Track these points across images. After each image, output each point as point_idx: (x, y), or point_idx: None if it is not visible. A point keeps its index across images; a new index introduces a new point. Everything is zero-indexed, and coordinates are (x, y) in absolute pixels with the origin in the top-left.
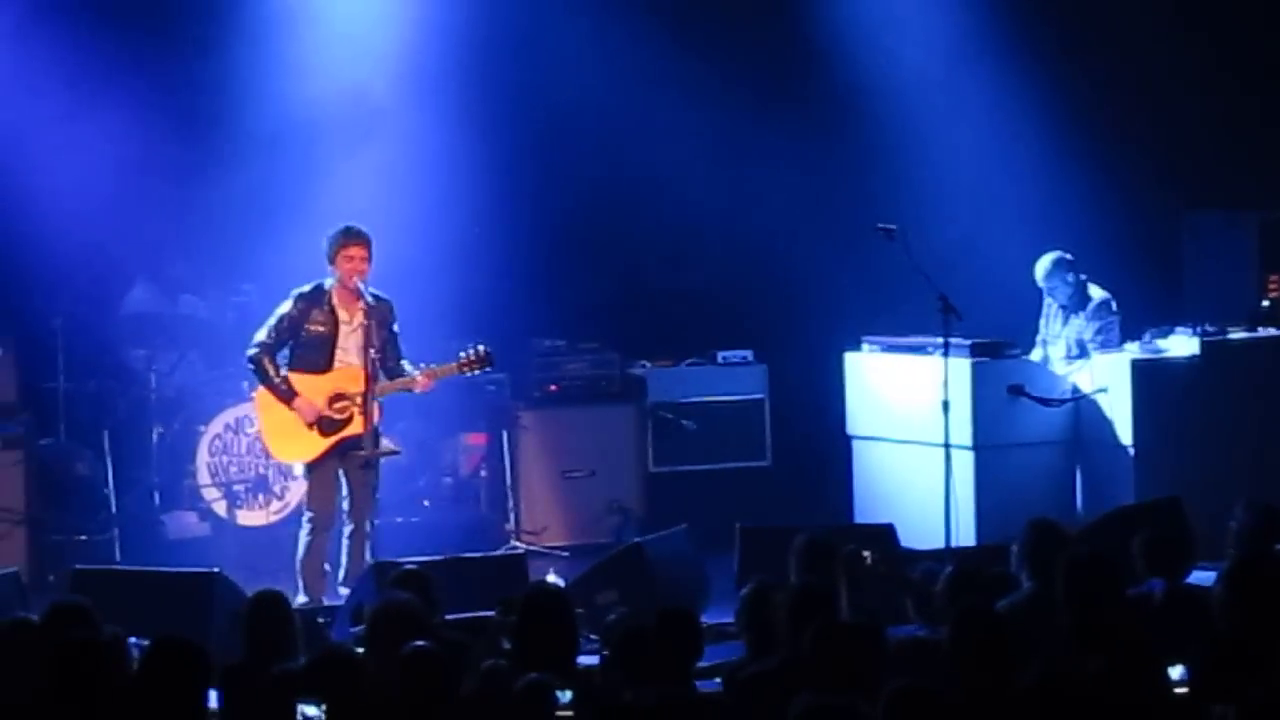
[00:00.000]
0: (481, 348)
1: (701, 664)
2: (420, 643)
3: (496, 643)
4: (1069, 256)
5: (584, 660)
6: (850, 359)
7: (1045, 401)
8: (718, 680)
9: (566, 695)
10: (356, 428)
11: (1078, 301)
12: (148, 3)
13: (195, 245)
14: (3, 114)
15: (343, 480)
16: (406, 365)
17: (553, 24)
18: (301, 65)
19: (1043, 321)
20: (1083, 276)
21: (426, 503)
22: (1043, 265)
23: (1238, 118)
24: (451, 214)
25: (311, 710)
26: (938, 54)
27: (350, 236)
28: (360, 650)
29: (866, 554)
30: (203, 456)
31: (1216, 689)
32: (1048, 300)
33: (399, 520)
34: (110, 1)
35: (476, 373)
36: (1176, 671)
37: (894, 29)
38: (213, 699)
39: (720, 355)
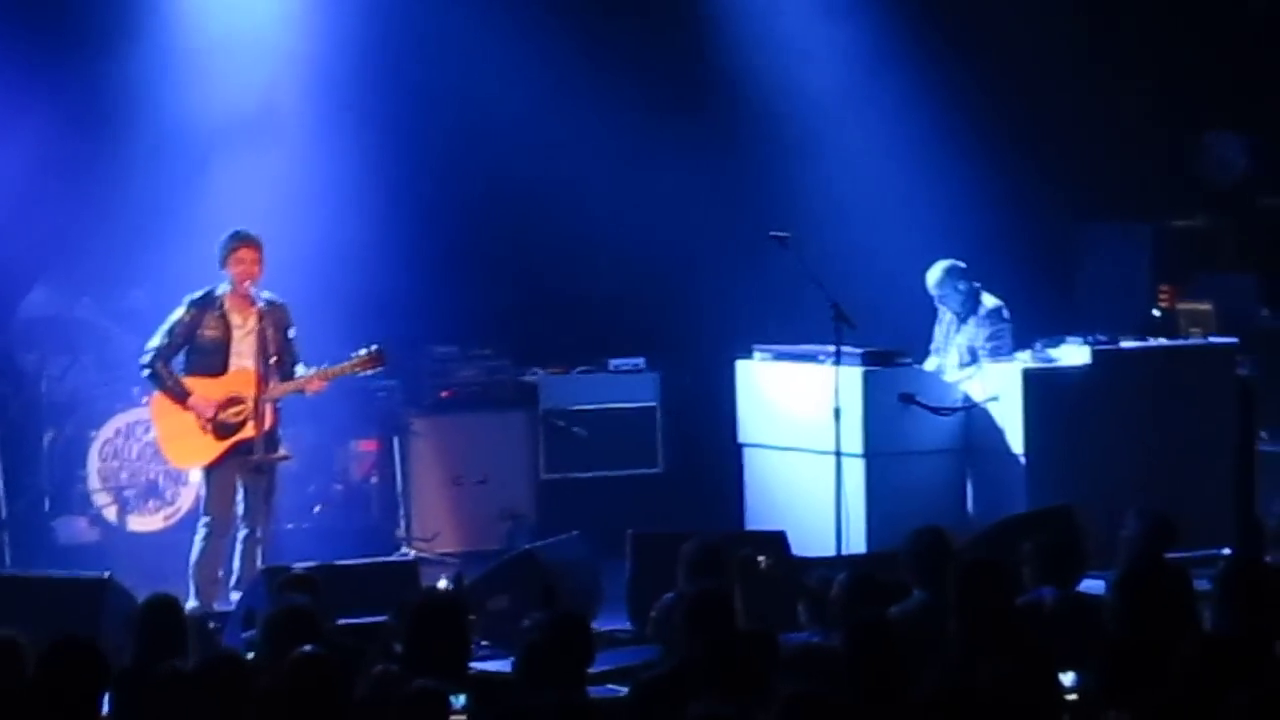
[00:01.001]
0: (374, 347)
1: (598, 669)
2: (310, 647)
3: (389, 648)
4: (961, 264)
5: (476, 666)
6: (742, 367)
7: (937, 410)
8: (610, 686)
9: (460, 700)
10: (251, 431)
11: (970, 309)
12: (46, 3)
13: (92, 248)
14: None
15: (238, 485)
16: (301, 369)
17: (453, 29)
18: (199, 67)
19: (936, 329)
20: (975, 285)
21: (318, 508)
22: (934, 273)
23: (1130, 129)
24: (347, 218)
25: None
26: (833, 63)
27: (241, 240)
28: (251, 654)
29: (761, 559)
30: (94, 462)
31: (1109, 695)
32: (940, 308)
33: (290, 526)
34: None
35: (369, 373)
36: (1068, 678)
37: (790, 38)
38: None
39: (612, 363)
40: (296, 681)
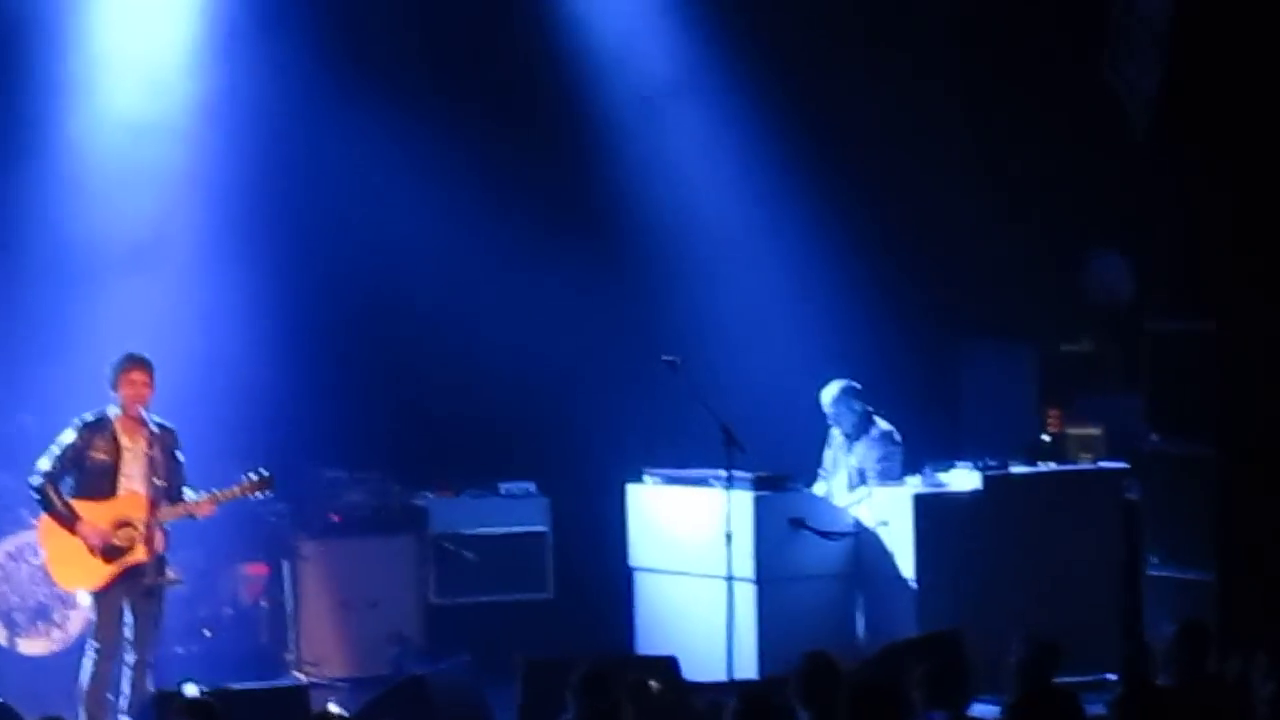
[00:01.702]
0: (263, 471)
1: None
2: None
3: None
4: (856, 385)
5: None
6: (632, 490)
7: (827, 535)
8: None
9: None
10: (140, 555)
11: (861, 430)
12: None
13: None
14: None
15: (126, 609)
16: (189, 492)
17: (341, 150)
18: (89, 190)
19: (826, 452)
20: (869, 408)
21: (207, 632)
22: (830, 392)
23: (1016, 251)
24: (235, 341)
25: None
26: (720, 186)
27: (133, 362)
28: None
29: (653, 683)
30: None
31: None
32: (832, 430)
33: (180, 650)
34: None
35: (259, 496)
36: None
37: (677, 160)
38: None
39: (503, 487)
40: None
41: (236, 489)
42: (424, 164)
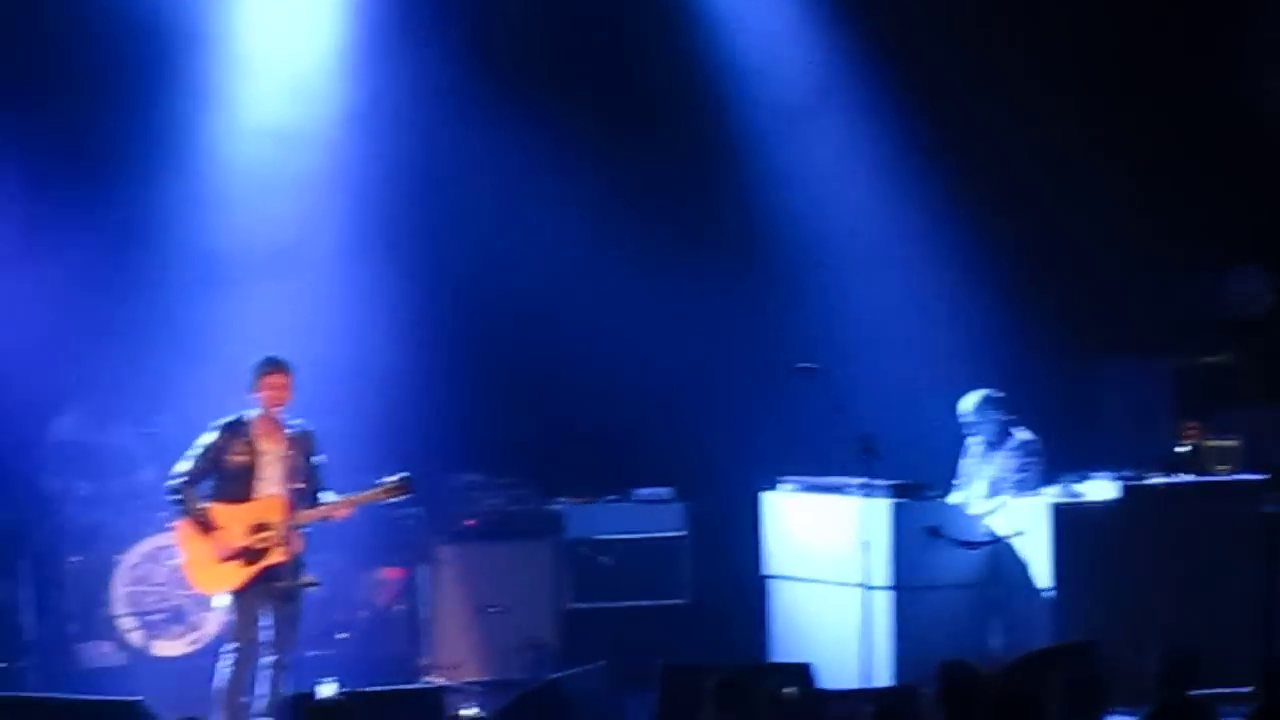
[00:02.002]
0: (401, 476)
1: None
2: None
3: None
4: (997, 394)
5: None
6: (767, 498)
7: (964, 543)
8: None
9: None
10: (278, 557)
11: (1001, 440)
12: (89, 131)
13: (122, 373)
14: None
15: (264, 611)
16: (327, 495)
17: (483, 160)
18: (224, 194)
19: (963, 462)
20: (1009, 417)
21: (343, 635)
22: (970, 400)
23: (1152, 263)
24: (375, 346)
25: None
26: (860, 197)
27: (273, 365)
28: None
29: (790, 690)
30: (120, 586)
31: None
32: (970, 439)
33: (314, 653)
34: (59, 125)
35: (396, 500)
36: None
37: (817, 171)
38: None
39: (638, 492)
40: None
41: (375, 492)
42: (566, 173)
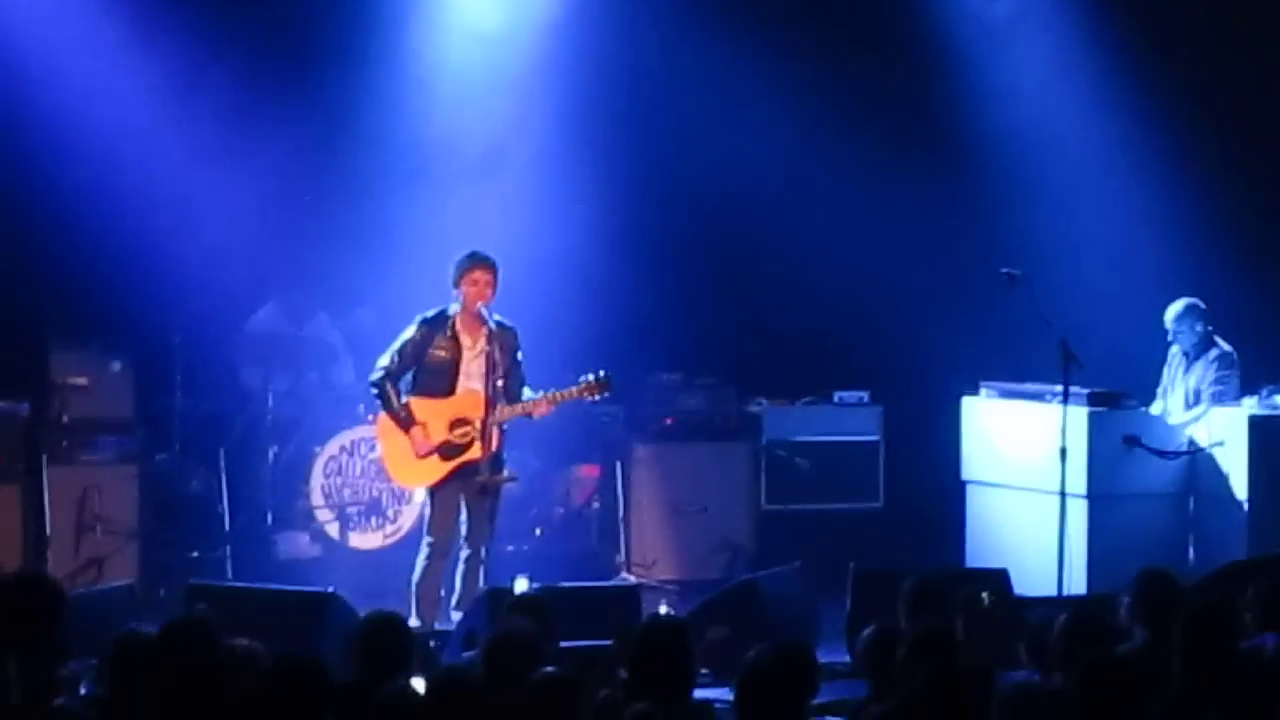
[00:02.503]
0: (601, 374)
1: (817, 701)
2: (550, 669)
3: (612, 673)
4: (1201, 304)
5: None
6: (967, 403)
7: (1161, 453)
8: (831, 717)
9: None
10: (476, 453)
11: (1201, 350)
12: (300, 24)
13: (324, 266)
14: (142, 125)
15: (462, 505)
16: (528, 392)
17: (684, 64)
18: (433, 94)
19: (1164, 371)
20: (1210, 328)
21: (538, 532)
22: (1175, 309)
23: None
24: (576, 246)
25: None
26: (1064, 100)
27: (477, 261)
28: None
29: (985, 595)
30: (317, 478)
31: None
32: (1172, 349)
33: (510, 549)
34: (268, 18)
35: (596, 398)
36: None
37: (1026, 74)
38: None
39: (837, 395)
40: (534, 703)
41: (574, 390)
42: (772, 80)
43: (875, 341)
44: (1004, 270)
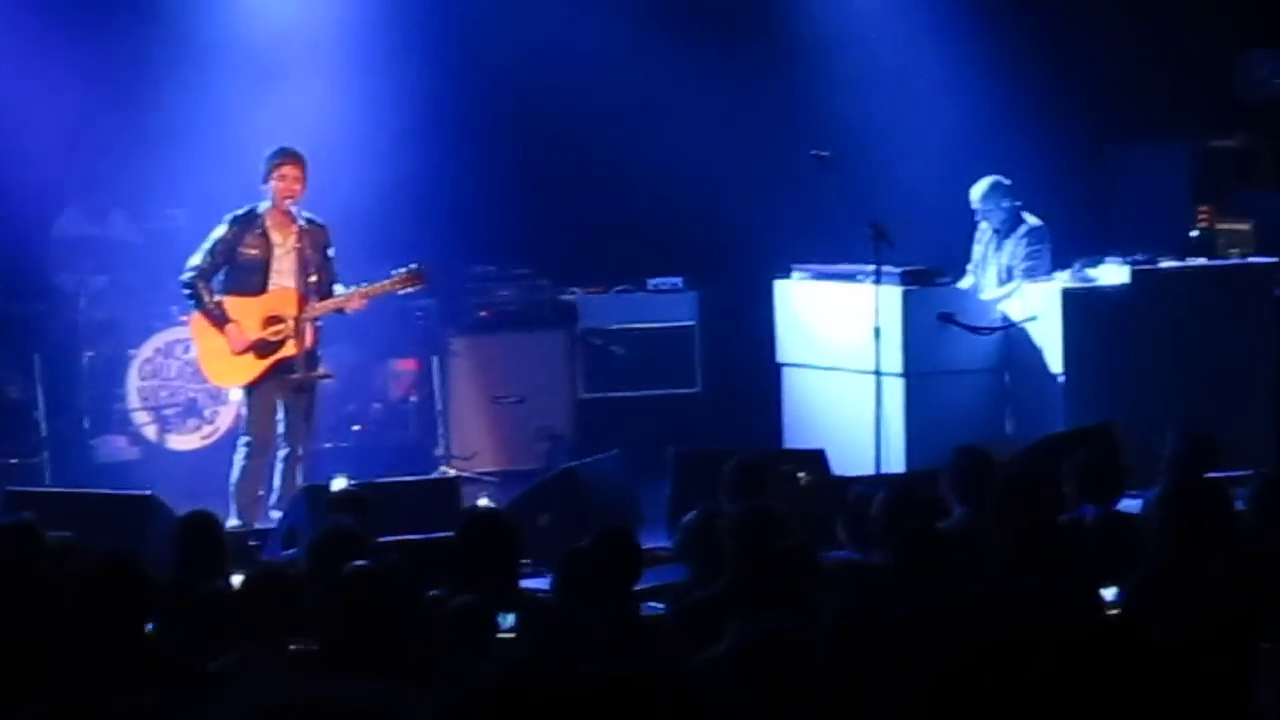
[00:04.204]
0: (414, 266)
1: (639, 586)
2: (362, 562)
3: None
4: (1006, 181)
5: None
6: (780, 286)
7: (975, 329)
8: (656, 604)
9: (510, 619)
10: (291, 350)
11: (1010, 227)
12: None
13: (126, 168)
14: None
15: (279, 404)
16: (340, 288)
17: None
18: None
19: (974, 247)
20: (1018, 203)
21: (357, 427)
22: (980, 188)
23: (1166, 48)
24: (385, 139)
25: None
26: None
27: (285, 156)
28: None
29: (801, 475)
30: (133, 381)
31: (1151, 611)
32: (981, 225)
33: (329, 445)
34: None
35: (409, 291)
36: (1110, 593)
37: None
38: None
39: (651, 282)
40: (350, 596)
41: (388, 283)
42: None
43: (688, 228)
44: (813, 152)
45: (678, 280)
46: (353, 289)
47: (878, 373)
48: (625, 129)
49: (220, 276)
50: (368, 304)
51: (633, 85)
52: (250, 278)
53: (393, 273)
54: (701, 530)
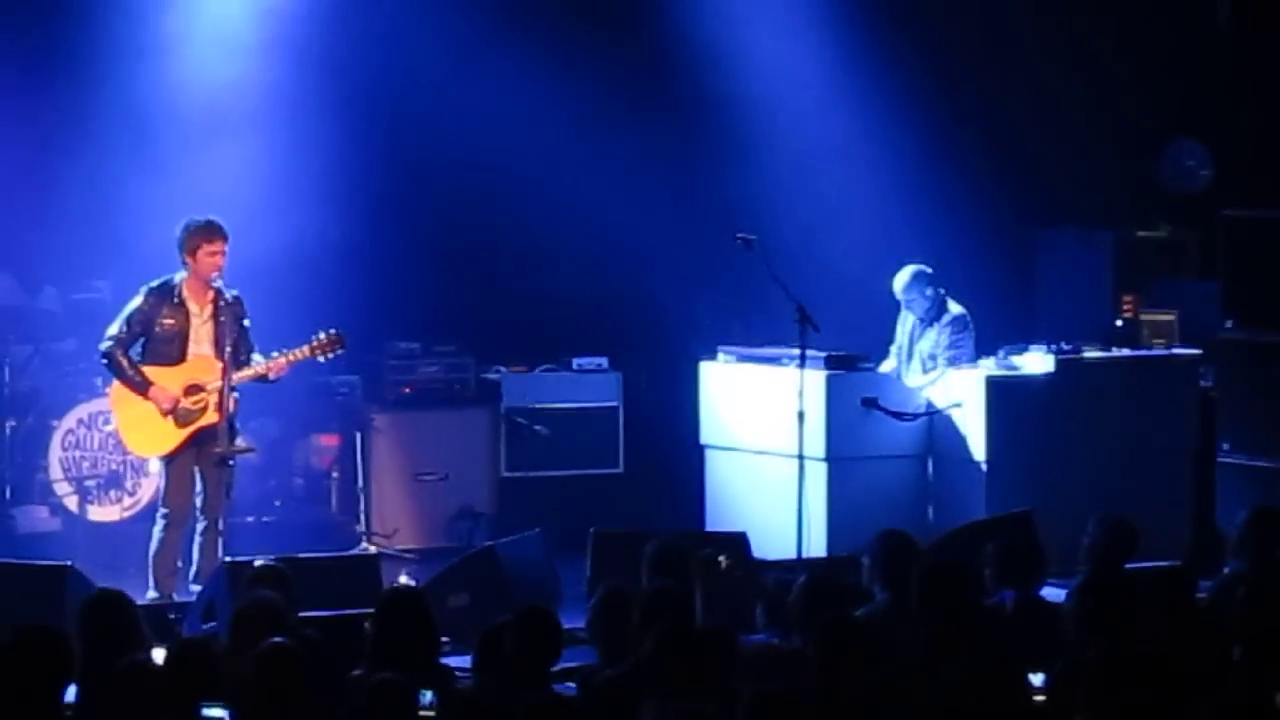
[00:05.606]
0: (333, 330)
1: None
2: (280, 638)
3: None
4: (928, 270)
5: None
6: (705, 368)
7: (899, 415)
8: (570, 684)
9: (428, 696)
10: (212, 418)
11: (934, 315)
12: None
13: (54, 239)
14: None
15: (198, 476)
16: (258, 357)
17: (417, 28)
18: (167, 61)
19: (899, 331)
20: (941, 291)
21: (278, 502)
22: (902, 278)
23: (1093, 138)
24: (308, 214)
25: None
26: (797, 67)
27: (215, 232)
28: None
29: (722, 558)
30: (55, 451)
31: (1072, 699)
32: (904, 312)
33: (250, 519)
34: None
35: (329, 356)
36: (1037, 679)
37: (757, 39)
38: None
39: (575, 362)
40: (267, 672)
41: (306, 349)
42: (511, 47)
43: (613, 308)
44: (738, 235)
45: (602, 360)
46: (274, 355)
47: (800, 456)
48: (553, 209)
49: (138, 348)
50: (288, 370)
51: (559, 164)
52: (168, 348)
53: (311, 338)
54: (607, 608)
